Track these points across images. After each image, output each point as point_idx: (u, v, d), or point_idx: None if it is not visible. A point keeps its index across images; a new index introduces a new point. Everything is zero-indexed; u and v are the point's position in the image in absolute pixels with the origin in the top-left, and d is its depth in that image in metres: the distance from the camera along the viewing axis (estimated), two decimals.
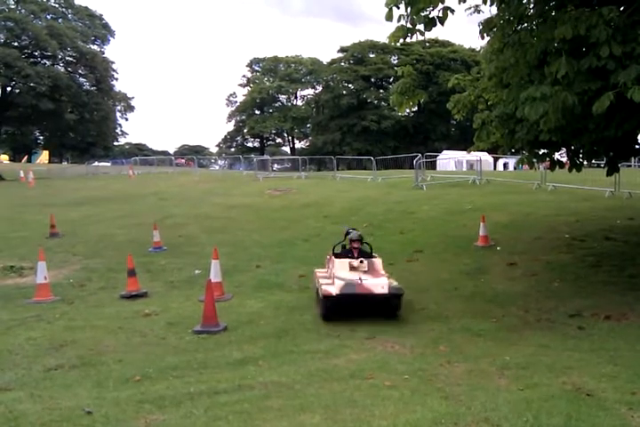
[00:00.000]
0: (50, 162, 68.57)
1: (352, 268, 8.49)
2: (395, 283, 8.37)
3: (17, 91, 40.17)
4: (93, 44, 44.14)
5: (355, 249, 9.03)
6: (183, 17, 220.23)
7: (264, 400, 4.70)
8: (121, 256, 12.47)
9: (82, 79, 43.25)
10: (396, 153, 40.36)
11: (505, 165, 37.66)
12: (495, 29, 8.59)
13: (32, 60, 39.46)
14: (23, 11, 39.28)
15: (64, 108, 41.87)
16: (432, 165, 30.27)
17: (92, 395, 5.02)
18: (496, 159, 35.24)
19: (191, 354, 6.74)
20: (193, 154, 65.57)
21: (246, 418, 4.13)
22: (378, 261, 8.71)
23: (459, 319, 8.32)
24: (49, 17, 41.14)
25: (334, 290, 8.08)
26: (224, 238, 14.73)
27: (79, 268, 12.56)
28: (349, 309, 8.28)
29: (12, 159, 70.95)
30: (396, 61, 65.71)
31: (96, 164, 50.48)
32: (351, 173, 30.16)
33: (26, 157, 72.47)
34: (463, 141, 47.57)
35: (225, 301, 9.68)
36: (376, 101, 66.77)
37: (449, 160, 36.92)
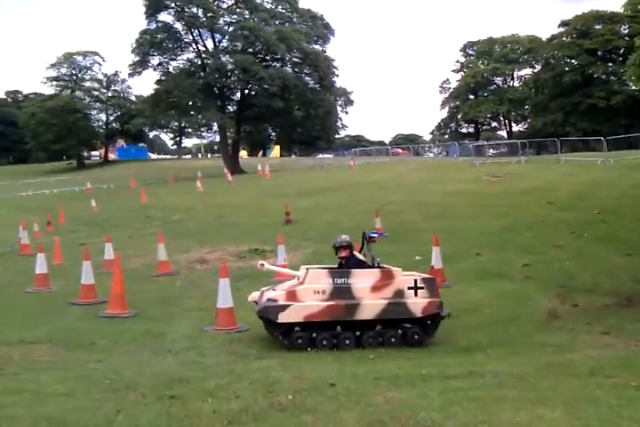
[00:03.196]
0: (281, 155, 75.29)
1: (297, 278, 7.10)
2: (318, 304, 6.54)
3: (253, 93, 44.76)
4: (316, 43, 46.98)
5: (341, 258, 7.18)
6: (395, 8, 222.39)
7: (497, 389, 4.67)
8: None
9: (307, 78, 46.42)
10: (630, 132, 35.91)
11: None
12: None
13: (264, 63, 43.56)
14: (256, 19, 43.45)
15: (292, 106, 45.42)
16: None
17: (333, 368, 5.50)
18: None
19: None
20: (407, 143, 66.19)
21: (481, 405, 4.15)
22: (311, 273, 6.79)
23: None
24: (277, 22, 44.88)
25: (252, 296, 7.33)
26: (441, 225, 14.72)
27: (311, 251, 13.66)
28: None
29: (250, 154, 79.49)
30: (626, 31, 58.13)
31: (320, 156, 53.87)
32: (578, 155, 27.71)
33: (261, 152, 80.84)
34: None
35: (447, 287, 9.74)
36: (604, 76, 59.96)
37: None
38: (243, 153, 68.80)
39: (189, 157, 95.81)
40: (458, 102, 76.98)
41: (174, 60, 45.29)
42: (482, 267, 11.22)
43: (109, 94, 75.11)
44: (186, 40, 44.23)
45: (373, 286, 6.72)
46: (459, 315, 8.06)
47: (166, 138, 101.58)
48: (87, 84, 75.05)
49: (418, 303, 6.71)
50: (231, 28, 43.77)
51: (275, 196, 23.20)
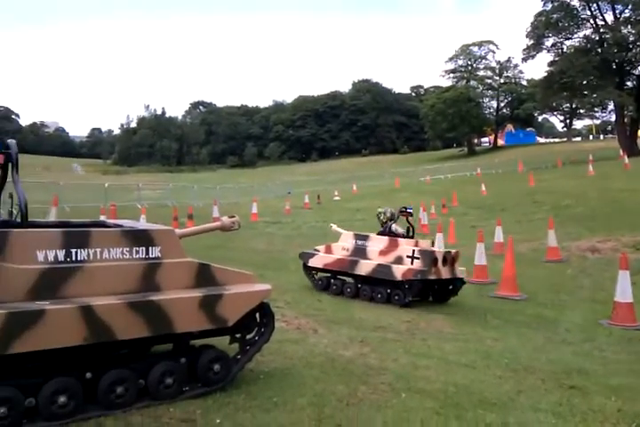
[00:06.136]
0: None
1: None
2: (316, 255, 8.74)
3: None
4: None
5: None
6: None
7: None
8: None
9: None
10: None
11: None
12: None
13: None
14: None
15: None
16: None
17: None
18: None
19: None
20: None
21: None
22: (343, 234, 8.79)
23: None
24: None
25: None
26: None
27: None
28: None
29: None
30: None
31: None
32: None
33: None
34: None
35: None
36: None
37: None
38: None
39: (579, 139, 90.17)
40: None
41: (569, 38, 42.99)
42: None
43: (501, 81, 76.61)
44: (582, 16, 41.39)
45: (381, 250, 8.15)
46: None
47: (555, 121, 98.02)
48: (481, 73, 78.28)
49: (399, 269, 7.77)
50: None
51: None
